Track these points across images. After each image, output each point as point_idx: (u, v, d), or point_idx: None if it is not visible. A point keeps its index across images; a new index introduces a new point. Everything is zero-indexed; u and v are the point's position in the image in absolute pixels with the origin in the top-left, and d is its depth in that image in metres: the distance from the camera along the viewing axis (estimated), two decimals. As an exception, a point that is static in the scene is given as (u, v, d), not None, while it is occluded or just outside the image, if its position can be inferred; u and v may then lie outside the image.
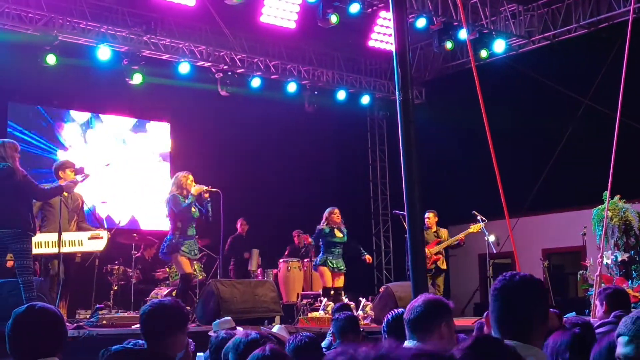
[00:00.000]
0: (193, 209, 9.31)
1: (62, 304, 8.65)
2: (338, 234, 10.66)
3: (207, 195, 9.47)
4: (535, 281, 2.63)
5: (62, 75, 12.26)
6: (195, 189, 9.31)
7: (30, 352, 2.78)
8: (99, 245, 8.95)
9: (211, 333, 6.43)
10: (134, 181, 13.96)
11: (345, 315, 5.45)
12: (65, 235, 8.58)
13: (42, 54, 11.67)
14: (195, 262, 9.78)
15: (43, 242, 8.37)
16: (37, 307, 2.94)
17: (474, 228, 11.33)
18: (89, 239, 8.84)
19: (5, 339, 2.86)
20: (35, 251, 8.06)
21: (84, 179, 8.48)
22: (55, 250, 8.38)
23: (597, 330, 5.06)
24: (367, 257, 11.93)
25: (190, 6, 11.60)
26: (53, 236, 8.42)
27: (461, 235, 11.42)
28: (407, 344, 3.22)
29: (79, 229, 8.91)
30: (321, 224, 10.75)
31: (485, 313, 2.72)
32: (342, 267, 10.71)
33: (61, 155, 12.72)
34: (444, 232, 11.75)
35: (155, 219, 13.95)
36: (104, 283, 10.64)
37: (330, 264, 10.59)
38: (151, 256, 12.00)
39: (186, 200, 9.17)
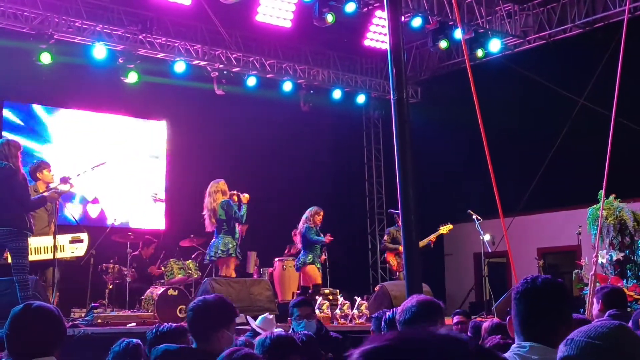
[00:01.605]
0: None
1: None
2: (318, 234, 10.85)
3: (236, 199, 10.07)
4: (558, 284, 2.64)
5: (58, 74, 12.24)
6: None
7: (27, 351, 2.78)
8: (80, 250, 8.90)
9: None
10: (128, 180, 13.93)
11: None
12: (44, 241, 8.52)
13: (37, 53, 11.65)
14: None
15: (32, 249, 8.25)
16: (34, 306, 2.94)
17: (443, 229, 11.48)
18: (70, 242, 8.77)
19: (3, 338, 2.86)
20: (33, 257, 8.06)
21: (68, 190, 8.40)
22: (39, 257, 8.34)
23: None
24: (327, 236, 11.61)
25: (186, 5, 11.60)
26: (36, 241, 8.33)
27: (432, 237, 11.59)
28: None
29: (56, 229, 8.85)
30: (305, 221, 10.85)
31: (508, 318, 2.72)
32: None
33: (54, 155, 12.70)
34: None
35: (150, 218, 13.95)
36: (99, 281, 10.62)
37: (317, 262, 10.75)
38: (149, 255, 11.98)
39: (239, 211, 9.89)
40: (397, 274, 12.06)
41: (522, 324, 2.54)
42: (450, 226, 11.52)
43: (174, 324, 4.26)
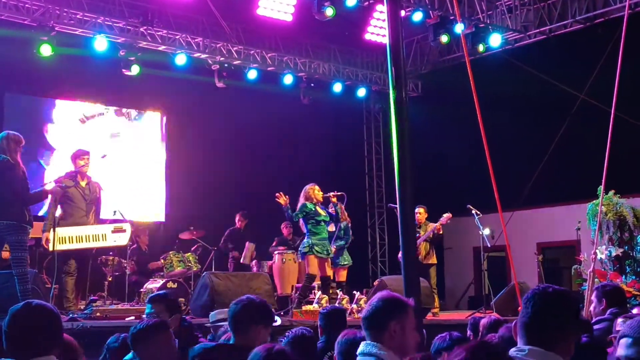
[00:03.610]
0: (323, 213, 9.95)
1: (75, 297, 8.68)
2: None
3: (334, 199, 10.08)
4: (570, 295, 2.66)
5: (59, 66, 12.24)
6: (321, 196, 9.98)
7: (26, 350, 2.78)
8: (122, 240, 8.90)
9: (208, 325, 6.44)
10: (128, 172, 13.94)
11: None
12: (86, 230, 8.55)
13: (38, 45, 11.63)
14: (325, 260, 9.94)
15: (67, 238, 8.33)
16: (34, 305, 2.94)
17: (443, 219, 11.40)
18: (112, 232, 8.74)
19: (2, 336, 2.86)
20: (59, 247, 8.11)
21: (65, 186, 8.37)
22: (78, 245, 8.37)
23: (595, 327, 5.10)
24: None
25: (187, -2, 11.60)
26: (73, 230, 8.40)
27: (437, 225, 11.38)
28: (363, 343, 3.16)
29: (98, 221, 8.89)
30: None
31: (514, 322, 2.74)
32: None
33: (54, 146, 12.73)
34: (430, 227, 11.57)
35: (149, 210, 13.97)
36: (99, 274, 10.63)
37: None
38: (146, 245, 11.99)
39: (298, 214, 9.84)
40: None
41: (526, 328, 2.55)
42: (449, 214, 11.43)
43: (155, 319, 4.29)
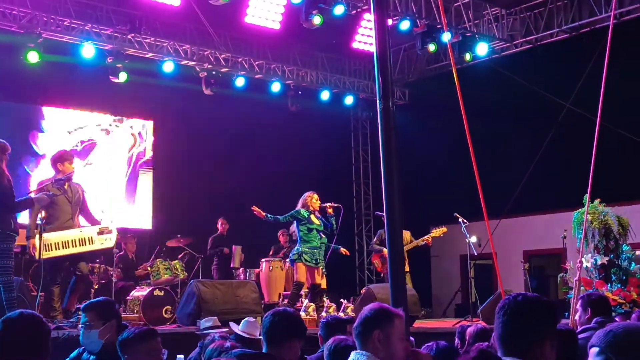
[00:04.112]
0: (317, 222, 9.96)
1: (73, 299, 8.60)
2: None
3: (330, 210, 10.03)
4: (541, 301, 2.66)
5: (46, 73, 12.20)
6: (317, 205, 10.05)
7: (17, 357, 2.78)
8: (109, 242, 8.77)
9: (198, 333, 6.44)
10: (115, 179, 13.90)
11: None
12: (71, 234, 8.41)
13: (24, 52, 11.59)
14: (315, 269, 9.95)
15: (52, 244, 8.19)
16: (25, 315, 2.93)
17: (435, 232, 11.64)
18: (98, 234, 8.60)
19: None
20: (45, 254, 7.98)
21: (53, 195, 8.30)
22: (65, 251, 8.26)
23: (580, 336, 5.13)
24: (342, 250, 11.59)
25: (175, 5, 11.59)
26: (58, 236, 8.27)
27: (426, 238, 11.71)
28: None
29: (89, 222, 8.80)
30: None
31: (492, 335, 2.77)
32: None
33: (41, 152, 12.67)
34: (406, 234, 11.73)
35: (136, 217, 13.93)
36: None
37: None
38: (133, 253, 11.96)
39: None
40: (382, 275, 12.11)
41: (502, 340, 2.58)
42: (444, 229, 11.64)
43: (143, 327, 4.29)
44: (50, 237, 8.25)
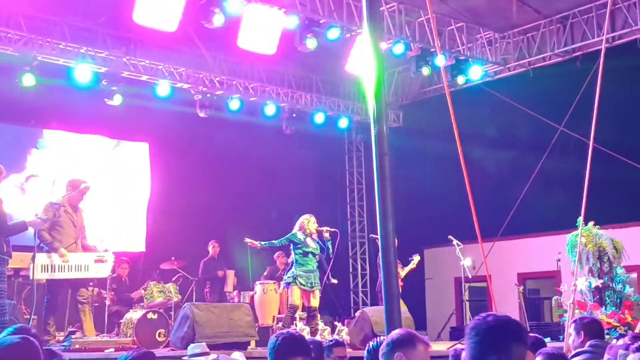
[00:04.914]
0: (313, 246, 10.02)
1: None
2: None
3: (327, 235, 10.13)
4: (511, 322, 2.65)
5: (41, 96, 12.21)
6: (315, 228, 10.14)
7: None
8: (104, 271, 8.98)
9: (185, 358, 6.41)
10: (109, 202, 13.87)
11: None
12: (71, 258, 8.55)
13: (20, 75, 11.62)
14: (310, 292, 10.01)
15: (49, 266, 8.33)
16: (25, 339, 2.93)
17: (413, 264, 12.13)
18: (95, 262, 8.77)
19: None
20: (41, 275, 8.17)
21: (47, 219, 8.38)
22: (61, 275, 8.33)
23: (574, 359, 5.12)
24: (333, 281, 11.92)
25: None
26: (57, 259, 8.41)
27: (412, 265, 12.14)
28: None
29: (83, 247, 8.93)
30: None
31: (464, 355, 2.77)
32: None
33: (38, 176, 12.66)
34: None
35: (130, 240, 13.88)
36: (78, 305, 10.49)
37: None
38: (126, 276, 11.92)
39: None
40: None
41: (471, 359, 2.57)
42: (418, 257, 12.13)
43: (142, 350, 4.31)
44: (50, 259, 8.42)
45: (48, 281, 8.61)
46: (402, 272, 12.03)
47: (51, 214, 8.48)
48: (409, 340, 3.60)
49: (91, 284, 10.65)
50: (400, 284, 11.87)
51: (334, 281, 11.70)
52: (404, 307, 11.52)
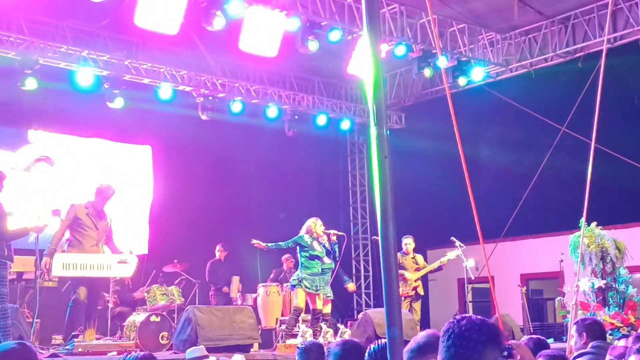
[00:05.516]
0: (320, 249, 9.95)
1: (91, 330, 8.78)
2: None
3: (334, 238, 10.12)
4: (484, 325, 2.62)
5: (42, 99, 12.21)
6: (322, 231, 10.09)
7: None
8: (127, 271, 9.29)
9: None
10: (112, 204, 13.85)
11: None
12: (94, 258, 8.84)
13: (22, 78, 11.63)
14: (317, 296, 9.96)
15: (71, 264, 8.59)
16: (25, 347, 2.93)
17: (451, 255, 11.60)
18: (118, 263, 9.04)
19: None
20: (62, 273, 8.50)
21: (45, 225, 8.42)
22: (82, 273, 8.49)
23: (577, 361, 5.11)
24: (349, 285, 11.82)
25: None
26: (79, 258, 8.67)
27: (444, 260, 11.70)
28: None
29: (110, 250, 9.27)
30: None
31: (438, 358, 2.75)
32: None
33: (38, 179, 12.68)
34: (420, 258, 12.06)
35: (132, 242, 13.84)
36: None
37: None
38: (129, 278, 11.90)
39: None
40: (403, 298, 11.93)
41: None
42: (458, 251, 11.65)
43: (142, 353, 4.30)
44: (72, 257, 8.71)
45: (73, 280, 8.95)
46: (415, 274, 11.81)
47: (87, 218, 8.95)
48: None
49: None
50: (415, 284, 11.80)
51: (351, 287, 11.68)
52: (416, 310, 11.59)
